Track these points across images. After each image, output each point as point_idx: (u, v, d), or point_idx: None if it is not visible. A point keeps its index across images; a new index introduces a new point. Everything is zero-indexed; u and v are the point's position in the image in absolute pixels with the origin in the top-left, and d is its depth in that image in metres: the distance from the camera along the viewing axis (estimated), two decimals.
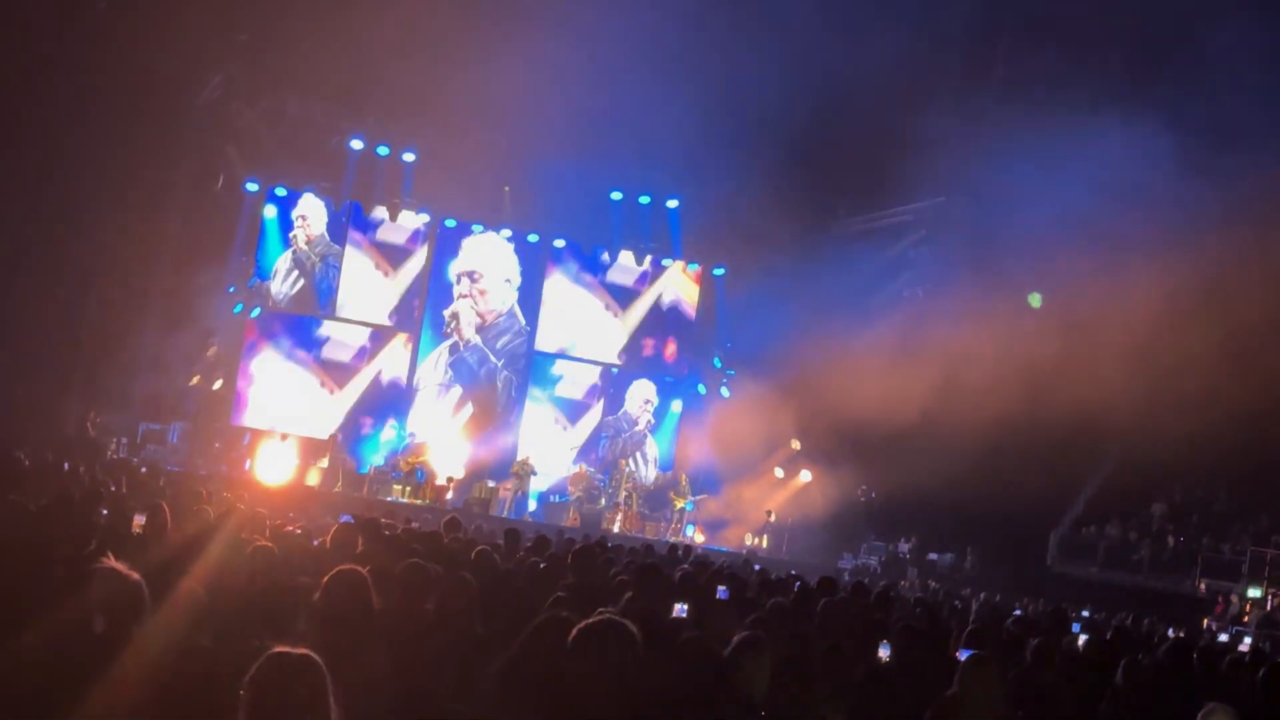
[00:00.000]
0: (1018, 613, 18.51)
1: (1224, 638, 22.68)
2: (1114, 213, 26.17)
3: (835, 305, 29.75)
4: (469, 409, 33.96)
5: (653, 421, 35.20)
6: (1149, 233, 25.40)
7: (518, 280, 34.56)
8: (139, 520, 11.28)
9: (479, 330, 34.19)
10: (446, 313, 33.98)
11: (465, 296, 34.02)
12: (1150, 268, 25.30)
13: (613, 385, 35.15)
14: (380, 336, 33.72)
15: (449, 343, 34.05)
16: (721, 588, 11.85)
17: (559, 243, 34.72)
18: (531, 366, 34.78)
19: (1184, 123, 24.58)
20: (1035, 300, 30.44)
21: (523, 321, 34.62)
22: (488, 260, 34.34)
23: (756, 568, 20.26)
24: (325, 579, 6.73)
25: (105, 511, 12.73)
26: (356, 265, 33.57)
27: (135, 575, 5.91)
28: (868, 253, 31.70)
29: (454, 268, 34.18)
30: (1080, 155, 26.29)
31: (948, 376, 27.88)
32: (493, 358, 34.25)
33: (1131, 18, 25.39)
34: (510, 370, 34.45)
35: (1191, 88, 24.67)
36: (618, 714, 4.95)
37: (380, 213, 33.36)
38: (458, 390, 34.04)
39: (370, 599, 6.67)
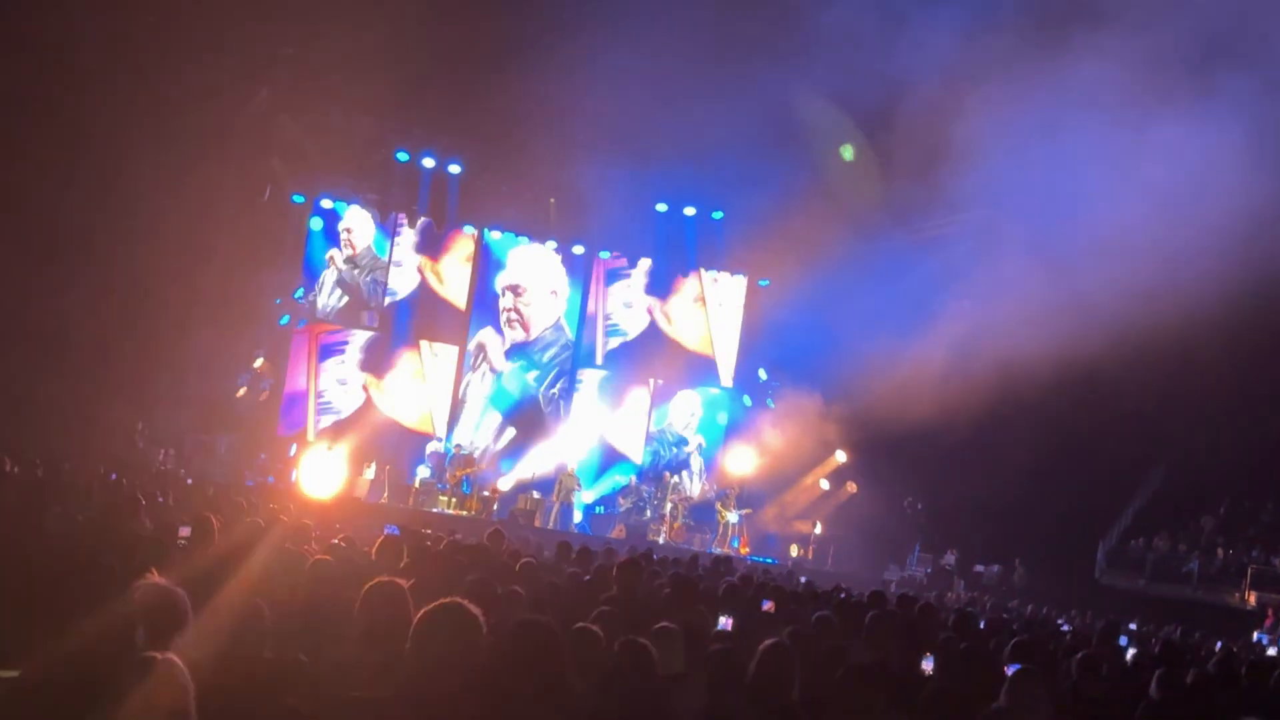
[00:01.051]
0: (1064, 626, 18.38)
1: (1273, 651, 22.47)
2: (1172, 219, 25.93)
3: (882, 317, 29.60)
4: (511, 425, 34.00)
5: (699, 435, 35.14)
6: (1206, 239, 25.15)
7: (565, 292, 34.58)
8: (184, 532, 11.31)
9: (525, 344, 34.23)
10: (472, 345, 34.05)
11: (509, 310, 34.05)
12: (1206, 276, 25.03)
13: (658, 397, 35.11)
14: (427, 349, 33.76)
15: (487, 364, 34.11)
16: (766, 600, 11.81)
17: (604, 254, 34.73)
18: (577, 379, 34.80)
19: (1250, 122, 24.24)
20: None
21: (570, 334, 34.64)
22: (533, 272, 34.38)
23: (803, 580, 20.21)
24: (363, 591, 6.68)
25: (149, 524, 12.75)
26: (402, 278, 33.65)
27: (177, 589, 5.92)
28: (917, 264, 31.46)
29: (500, 280, 34.24)
30: (1138, 160, 26.00)
31: (996, 388, 27.69)
32: (535, 374, 34.30)
33: (1195, 13, 25.00)
34: (557, 383, 34.48)
35: (1259, 86, 24.31)
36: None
37: (426, 225, 33.44)
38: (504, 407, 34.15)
39: (409, 612, 6.59)
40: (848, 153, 29.69)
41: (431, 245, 33.75)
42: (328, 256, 33.23)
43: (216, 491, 21.73)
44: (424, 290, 33.77)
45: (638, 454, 34.82)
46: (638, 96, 27.31)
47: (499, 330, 34.16)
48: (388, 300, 33.50)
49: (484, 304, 34.12)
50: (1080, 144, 26.60)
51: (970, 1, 26.37)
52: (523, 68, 27.40)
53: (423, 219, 33.36)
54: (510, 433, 33.89)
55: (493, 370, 34.04)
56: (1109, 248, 27.13)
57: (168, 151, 27.53)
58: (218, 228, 30.76)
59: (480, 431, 33.74)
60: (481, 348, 34.06)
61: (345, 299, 33.22)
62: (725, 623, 9.41)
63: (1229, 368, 25.42)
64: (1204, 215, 24.92)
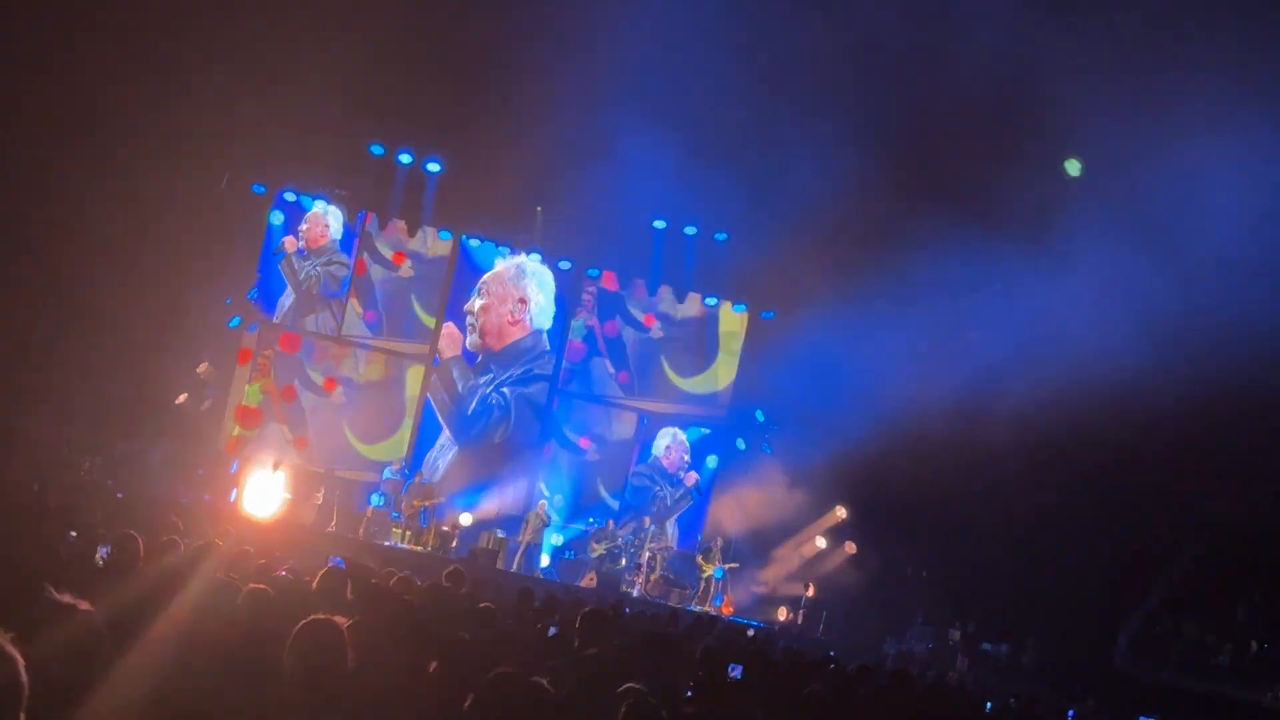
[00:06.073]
0: (1071, 715, 18.44)
1: None
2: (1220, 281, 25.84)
3: (900, 363, 29.50)
4: (477, 452, 33.96)
5: (692, 474, 35.00)
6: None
7: (541, 302, 34.45)
8: (102, 551, 11.30)
9: (492, 359, 34.15)
10: (441, 358, 33.94)
11: (471, 317, 33.89)
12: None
13: (643, 432, 35.13)
14: (390, 363, 33.82)
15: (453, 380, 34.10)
16: (735, 665, 11.83)
17: (593, 272, 34.80)
18: (553, 406, 34.79)
19: None
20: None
21: (547, 347, 34.56)
22: (515, 278, 34.26)
23: (781, 645, 20.22)
24: (294, 630, 6.60)
25: (74, 534, 12.75)
26: (367, 283, 33.71)
27: (87, 608, 5.75)
28: (939, 304, 31.28)
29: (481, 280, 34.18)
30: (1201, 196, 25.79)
31: (1020, 448, 27.66)
32: (506, 393, 34.22)
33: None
34: (529, 407, 34.46)
35: None
36: None
37: (398, 227, 33.57)
38: (464, 415, 34.09)
39: (344, 656, 6.51)
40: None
41: (402, 248, 33.80)
42: (281, 243, 33.19)
43: (145, 506, 21.72)
44: (390, 298, 33.80)
45: (617, 493, 34.79)
46: (639, 101, 27.30)
47: (465, 343, 34.09)
48: (348, 307, 33.51)
49: (457, 316, 34.03)
50: (1144, 155, 26.36)
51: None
52: (516, 64, 27.42)
53: (394, 220, 33.40)
54: (471, 458, 33.82)
55: (458, 387, 33.98)
56: (1180, 290, 26.92)
57: (109, 129, 27.43)
58: (165, 216, 30.55)
59: (440, 455, 33.75)
60: (449, 363, 34.00)
61: (303, 302, 33.23)
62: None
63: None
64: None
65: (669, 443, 35.08)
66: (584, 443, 34.82)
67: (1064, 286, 27.43)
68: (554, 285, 34.54)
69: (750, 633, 23.98)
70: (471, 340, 34.01)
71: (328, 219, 33.38)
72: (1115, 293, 26.77)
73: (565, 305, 34.80)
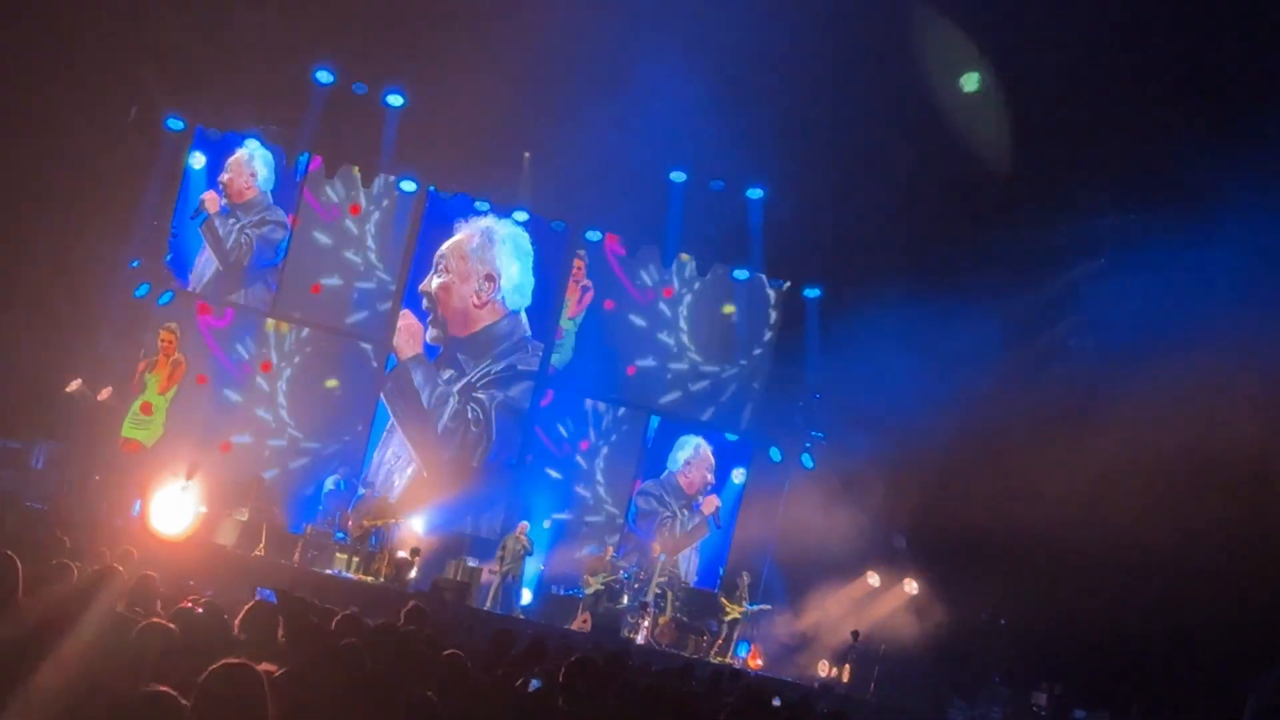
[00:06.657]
0: None
1: None
2: None
3: (970, 355, 29.39)
4: (445, 467, 33.78)
5: (714, 498, 34.76)
6: None
7: (529, 281, 34.28)
8: None
9: (457, 347, 33.91)
10: (399, 345, 33.71)
11: (432, 296, 33.63)
12: None
13: (653, 439, 34.91)
14: (335, 344, 33.65)
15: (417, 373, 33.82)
16: None
17: (593, 235, 34.49)
18: (539, 406, 34.53)
19: None
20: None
21: (528, 333, 34.33)
22: (481, 249, 34.03)
23: (822, 707, 20.13)
24: (202, 677, 6.38)
25: None
26: (308, 243, 33.44)
27: None
28: (1022, 284, 31.16)
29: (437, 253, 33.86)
30: None
31: (1122, 462, 27.49)
32: (484, 399, 33.94)
33: None
34: (513, 417, 34.21)
35: None
36: None
37: (349, 174, 33.28)
38: (432, 432, 33.85)
39: (264, 711, 6.30)
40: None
41: (353, 202, 33.54)
42: (201, 202, 32.85)
43: (26, 521, 21.61)
44: (336, 261, 33.60)
45: (618, 516, 34.60)
46: (657, 15, 27.08)
47: (425, 329, 33.85)
48: (286, 271, 33.30)
49: (417, 299, 33.74)
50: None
51: None
52: None
53: (346, 166, 33.12)
54: (437, 472, 33.60)
55: (422, 396, 33.72)
56: None
57: None
58: (57, 157, 30.24)
59: (398, 466, 33.52)
60: (408, 365, 33.78)
61: (229, 266, 32.96)
62: None
63: None
64: None
65: (689, 457, 34.83)
66: (582, 448, 34.59)
67: (1208, 258, 27.20)
68: (533, 253, 34.29)
69: (780, 698, 23.94)
70: (432, 335, 33.93)
71: (254, 165, 33.07)
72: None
73: (555, 278, 34.49)
